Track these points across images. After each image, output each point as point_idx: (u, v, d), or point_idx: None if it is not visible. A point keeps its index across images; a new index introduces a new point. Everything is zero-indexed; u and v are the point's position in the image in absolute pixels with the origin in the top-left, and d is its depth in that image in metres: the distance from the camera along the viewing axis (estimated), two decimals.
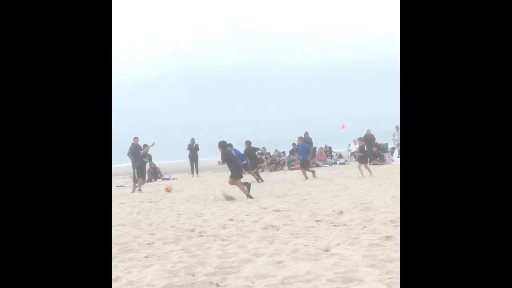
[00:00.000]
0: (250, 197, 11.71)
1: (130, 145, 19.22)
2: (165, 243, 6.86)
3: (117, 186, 18.82)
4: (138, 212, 10.58)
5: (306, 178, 16.66)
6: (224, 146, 12.61)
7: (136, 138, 19.36)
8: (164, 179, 21.78)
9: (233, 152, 14.67)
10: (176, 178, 22.18)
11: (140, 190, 15.86)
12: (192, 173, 22.90)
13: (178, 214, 9.87)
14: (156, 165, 22.35)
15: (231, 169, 12.43)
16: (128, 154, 19.09)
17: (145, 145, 17.74)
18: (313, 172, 17.19)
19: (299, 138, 18.92)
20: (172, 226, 8.25)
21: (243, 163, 15.68)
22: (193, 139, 23.11)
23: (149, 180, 21.34)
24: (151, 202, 12.75)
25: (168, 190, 15.09)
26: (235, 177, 12.29)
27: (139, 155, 17.10)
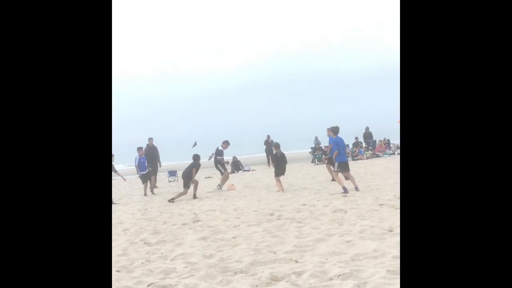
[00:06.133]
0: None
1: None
2: (249, 225, 7.13)
3: (205, 177, 19.45)
4: (224, 199, 10.96)
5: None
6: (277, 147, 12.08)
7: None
8: (245, 170, 22.22)
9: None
10: (255, 170, 22.57)
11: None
12: (268, 165, 23.20)
13: (259, 200, 10.13)
14: (238, 159, 22.86)
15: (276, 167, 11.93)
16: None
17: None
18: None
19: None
20: (254, 211, 8.52)
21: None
22: (268, 136, 23.44)
23: (232, 172, 21.89)
24: (235, 190, 13.10)
25: (231, 189, 13.43)
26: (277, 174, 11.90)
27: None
